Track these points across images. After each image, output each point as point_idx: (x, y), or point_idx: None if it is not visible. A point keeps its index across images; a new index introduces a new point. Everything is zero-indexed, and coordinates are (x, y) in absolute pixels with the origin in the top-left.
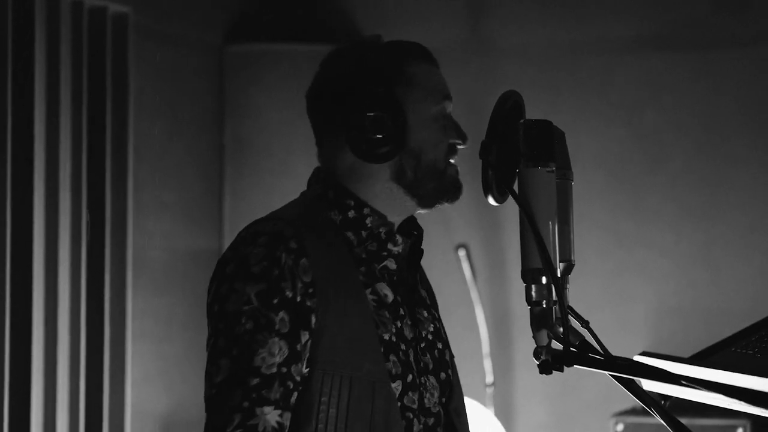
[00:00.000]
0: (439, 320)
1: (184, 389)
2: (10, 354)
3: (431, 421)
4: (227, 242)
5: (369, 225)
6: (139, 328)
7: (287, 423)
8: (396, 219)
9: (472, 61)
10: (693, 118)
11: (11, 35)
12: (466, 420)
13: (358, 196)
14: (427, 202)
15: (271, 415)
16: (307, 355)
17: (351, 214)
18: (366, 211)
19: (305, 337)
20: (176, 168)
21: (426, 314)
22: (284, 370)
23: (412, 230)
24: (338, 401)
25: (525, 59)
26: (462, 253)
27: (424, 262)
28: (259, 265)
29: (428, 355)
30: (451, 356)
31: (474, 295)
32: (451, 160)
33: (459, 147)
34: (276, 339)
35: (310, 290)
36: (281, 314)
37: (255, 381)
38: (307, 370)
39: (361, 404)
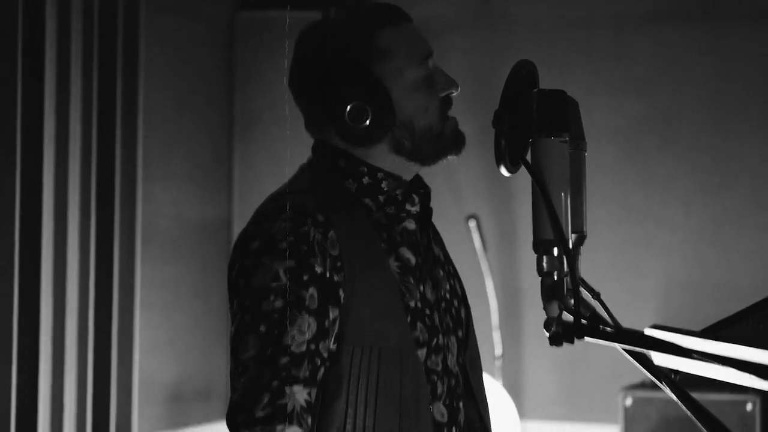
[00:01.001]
0: (455, 275)
1: (193, 358)
2: (18, 322)
3: (452, 381)
4: (237, 211)
5: (385, 189)
6: (147, 297)
7: (314, 400)
8: (408, 178)
9: (484, 34)
10: (705, 92)
11: (21, 7)
12: (480, 372)
13: (369, 163)
14: (431, 161)
15: (300, 394)
16: (336, 330)
17: (366, 180)
18: (380, 175)
19: (334, 313)
20: (186, 137)
21: (442, 273)
22: (312, 347)
23: (419, 188)
24: (368, 374)
25: (537, 32)
26: (472, 224)
27: None
28: (287, 241)
29: (448, 315)
30: (468, 309)
31: (484, 266)
32: (448, 114)
33: (453, 95)
34: (306, 316)
35: (338, 264)
36: (311, 290)
37: (284, 360)
38: (336, 345)
39: (390, 375)
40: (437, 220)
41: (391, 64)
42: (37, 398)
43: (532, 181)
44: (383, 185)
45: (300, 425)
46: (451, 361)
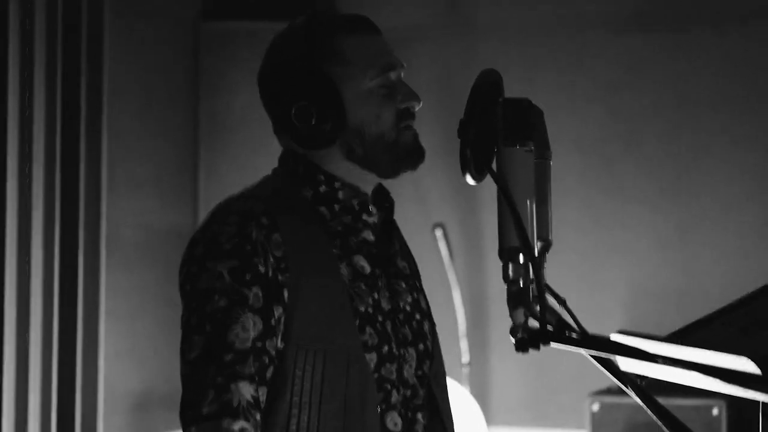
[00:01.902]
0: (420, 290)
1: (157, 366)
2: None
3: (409, 392)
4: (202, 219)
5: (341, 198)
6: (112, 305)
7: (263, 397)
8: (368, 189)
9: (450, 40)
10: (670, 97)
11: None
12: (446, 387)
13: (327, 171)
14: (388, 173)
15: (246, 390)
16: (282, 329)
17: (322, 189)
18: (337, 185)
19: (278, 311)
20: (150, 145)
21: (404, 285)
22: (259, 344)
23: (383, 202)
24: (312, 374)
25: (503, 37)
26: (439, 232)
27: None
28: (230, 242)
29: (407, 327)
30: (432, 325)
31: (451, 275)
32: (408, 125)
33: (413, 110)
34: (250, 314)
35: (282, 265)
36: (254, 289)
37: (229, 356)
38: (282, 344)
39: (335, 377)
40: (404, 229)
41: (348, 69)
42: (1, 407)
43: (498, 190)
44: (339, 195)
45: (247, 420)
46: (408, 372)
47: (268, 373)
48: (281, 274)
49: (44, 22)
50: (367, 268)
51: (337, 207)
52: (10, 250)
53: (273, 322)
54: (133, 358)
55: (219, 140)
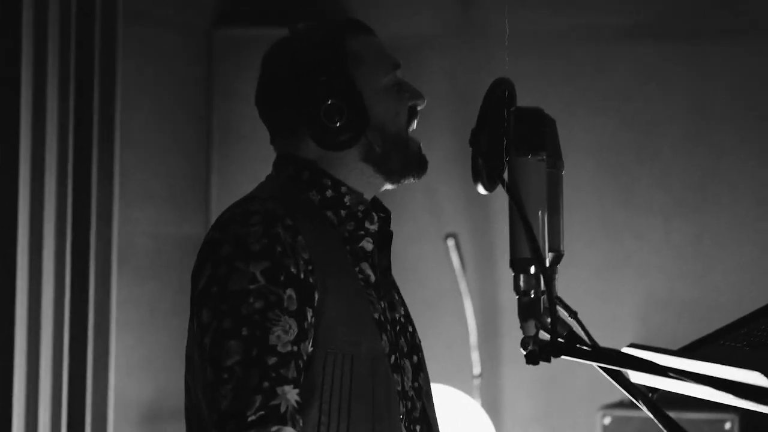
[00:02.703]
0: (405, 305)
1: (169, 378)
2: None
3: (409, 404)
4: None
5: (348, 204)
6: (123, 317)
7: (303, 402)
8: (369, 197)
9: (463, 48)
10: (684, 108)
11: None
12: (433, 404)
13: (333, 176)
14: (395, 178)
15: (291, 394)
16: (312, 333)
17: (329, 193)
18: (343, 189)
19: (310, 314)
20: (163, 154)
21: (397, 297)
22: (295, 348)
23: (379, 212)
24: (341, 379)
25: (516, 47)
26: (451, 242)
27: (412, 252)
28: (260, 243)
29: (402, 338)
30: (419, 341)
31: (462, 285)
32: (413, 129)
33: (419, 108)
34: (286, 317)
35: (310, 267)
36: (288, 291)
37: (273, 360)
38: (312, 349)
39: (362, 382)
40: (416, 239)
41: (362, 66)
42: (11, 418)
43: (509, 200)
44: (346, 200)
45: (294, 426)
46: (407, 384)
47: (302, 378)
48: (311, 276)
49: (57, 32)
50: (373, 277)
51: (343, 212)
52: (22, 259)
53: (306, 325)
54: (144, 369)
55: (232, 148)
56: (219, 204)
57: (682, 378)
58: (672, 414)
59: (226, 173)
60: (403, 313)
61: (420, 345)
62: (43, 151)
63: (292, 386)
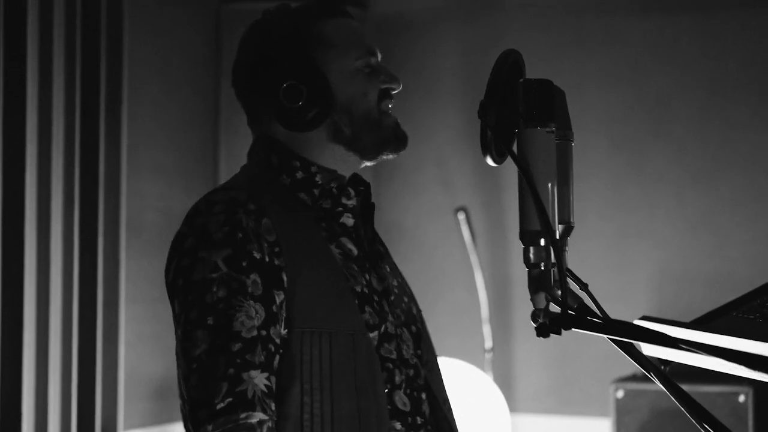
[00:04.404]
0: (401, 275)
1: None
2: (2, 316)
3: (411, 372)
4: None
5: (320, 182)
6: (132, 291)
7: (274, 386)
8: (345, 173)
9: (475, 20)
10: (698, 80)
11: None
12: (440, 374)
13: (303, 157)
14: (370, 155)
15: (259, 379)
16: (284, 315)
17: (299, 175)
18: (314, 169)
19: (280, 297)
20: (171, 129)
21: (388, 268)
22: (264, 333)
23: (358, 185)
24: (320, 358)
25: (528, 18)
26: (461, 216)
27: (423, 226)
28: (221, 231)
29: (398, 308)
30: (418, 310)
31: (473, 259)
32: (389, 108)
33: (393, 91)
34: (251, 302)
35: (276, 249)
36: (252, 276)
37: (237, 346)
38: (286, 331)
39: (344, 358)
40: (426, 213)
41: (332, 51)
42: (21, 393)
43: (519, 172)
44: (317, 179)
45: (264, 411)
46: (408, 352)
47: (275, 362)
48: (277, 258)
49: (63, 6)
50: (354, 251)
51: (316, 192)
52: (30, 235)
53: (275, 308)
54: (153, 344)
55: (240, 124)
56: (227, 178)
57: (696, 350)
58: (685, 387)
59: (233, 147)
60: (395, 283)
61: (418, 315)
62: (50, 126)
63: (259, 371)
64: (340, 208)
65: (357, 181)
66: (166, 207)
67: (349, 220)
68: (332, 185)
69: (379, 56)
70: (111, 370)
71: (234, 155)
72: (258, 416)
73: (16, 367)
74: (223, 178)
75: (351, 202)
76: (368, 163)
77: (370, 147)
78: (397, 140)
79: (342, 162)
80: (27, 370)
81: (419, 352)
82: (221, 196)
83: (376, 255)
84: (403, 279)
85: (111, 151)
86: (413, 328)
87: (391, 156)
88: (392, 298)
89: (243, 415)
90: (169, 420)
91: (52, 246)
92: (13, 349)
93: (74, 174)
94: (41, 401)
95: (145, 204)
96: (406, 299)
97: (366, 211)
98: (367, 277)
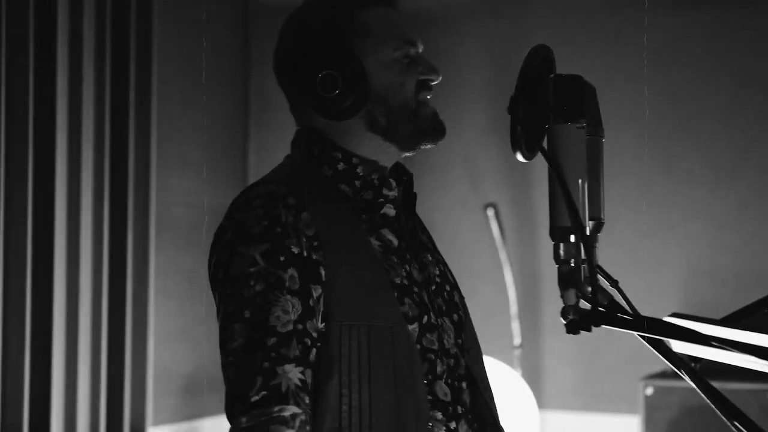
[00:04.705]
0: (444, 263)
1: (207, 348)
2: (31, 312)
3: (452, 362)
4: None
5: (361, 174)
6: (161, 286)
7: (309, 380)
8: (387, 164)
9: (502, 16)
10: (727, 76)
11: None
12: (482, 361)
13: (344, 148)
14: (408, 145)
15: (293, 373)
16: (321, 309)
17: (341, 166)
18: (355, 160)
19: (317, 291)
20: (200, 123)
21: (430, 258)
22: (300, 327)
23: (401, 176)
24: (359, 351)
25: (555, 16)
26: (491, 212)
27: (452, 222)
28: (260, 226)
29: (440, 298)
30: (462, 297)
31: (502, 255)
32: (427, 99)
33: (432, 83)
34: (288, 296)
35: (315, 243)
36: (290, 271)
37: (272, 340)
38: (323, 324)
39: (382, 350)
40: (456, 209)
41: (371, 39)
42: (50, 389)
43: (549, 168)
44: (358, 170)
45: (297, 405)
46: (449, 342)
47: (312, 356)
48: (315, 253)
49: (93, 3)
50: (395, 242)
51: (357, 183)
52: (60, 230)
53: (312, 302)
54: (182, 340)
55: (269, 118)
56: (257, 172)
57: (726, 347)
58: (715, 384)
59: (263, 142)
60: (437, 273)
61: (460, 303)
62: (80, 121)
63: (294, 365)
64: (381, 199)
65: (400, 171)
66: (194, 202)
67: (390, 210)
68: (373, 176)
69: (420, 47)
70: (140, 366)
71: (264, 149)
72: (291, 410)
73: (45, 363)
74: (253, 172)
75: (392, 193)
76: (407, 154)
77: (407, 137)
78: (435, 131)
79: (381, 152)
80: (56, 366)
81: (460, 341)
82: (261, 189)
83: (417, 245)
84: (446, 267)
85: (141, 146)
86: (455, 316)
87: (429, 146)
88: (433, 287)
89: (276, 409)
90: (198, 415)
91: (82, 242)
92: (43, 345)
93: (104, 169)
94: (70, 397)
95: (174, 199)
96: (448, 288)
97: (408, 201)
98: (408, 268)
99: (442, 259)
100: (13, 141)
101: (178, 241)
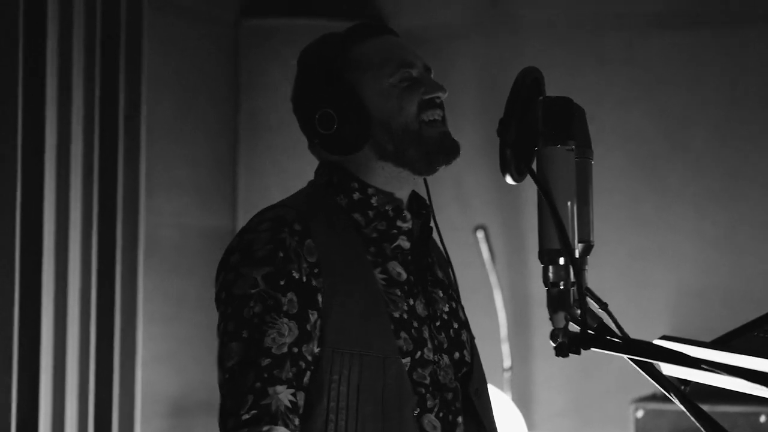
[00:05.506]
0: (457, 300)
1: (196, 370)
2: (19, 334)
3: (449, 395)
4: (241, 221)
5: (375, 204)
6: (150, 309)
7: (301, 402)
8: (403, 194)
9: (494, 37)
10: (716, 96)
11: (23, 7)
12: (488, 401)
13: (360, 179)
14: (420, 168)
15: (284, 395)
16: (318, 334)
17: (356, 196)
18: (370, 191)
19: (314, 316)
20: (189, 145)
21: (441, 294)
22: (295, 350)
23: (420, 209)
24: (349, 378)
25: (545, 37)
26: (480, 234)
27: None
28: (264, 249)
29: (443, 334)
30: (471, 337)
31: (492, 278)
32: (434, 117)
33: (437, 100)
34: (285, 320)
35: (316, 270)
36: (289, 295)
37: (266, 361)
38: (318, 349)
39: (372, 381)
40: (445, 231)
41: (368, 72)
42: (38, 411)
43: (538, 190)
44: (373, 201)
45: (286, 425)
46: (445, 378)
47: (306, 379)
48: (315, 279)
49: (83, 22)
50: (403, 275)
51: (371, 213)
52: (48, 251)
53: (309, 327)
54: (171, 363)
55: (259, 140)
56: (246, 194)
57: (716, 370)
58: (705, 407)
59: (252, 165)
60: (446, 309)
61: (469, 341)
62: (68, 143)
63: (285, 386)
64: (395, 231)
65: (420, 203)
66: (183, 223)
67: (405, 243)
68: (387, 207)
69: (421, 67)
70: (128, 388)
71: (253, 171)
72: (280, 430)
73: (33, 386)
74: (242, 194)
75: (406, 225)
76: (424, 176)
77: (417, 159)
78: (444, 150)
79: (396, 180)
80: (44, 389)
81: (459, 375)
82: (271, 213)
83: (428, 280)
84: (458, 305)
85: (130, 167)
86: (456, 354)
87: (444, 166)
88: (438, 323)
89: (266, 429)
90: None
91: (71, 263)
92: (31, 367)
93: (93, 191)
94: (58, 420)
95: (162, 221)
96: (456, 325)
97: (423, 235)
98: (411, 302)
99: (457, 297)
100: (0, 161)
101: (166, 263)
